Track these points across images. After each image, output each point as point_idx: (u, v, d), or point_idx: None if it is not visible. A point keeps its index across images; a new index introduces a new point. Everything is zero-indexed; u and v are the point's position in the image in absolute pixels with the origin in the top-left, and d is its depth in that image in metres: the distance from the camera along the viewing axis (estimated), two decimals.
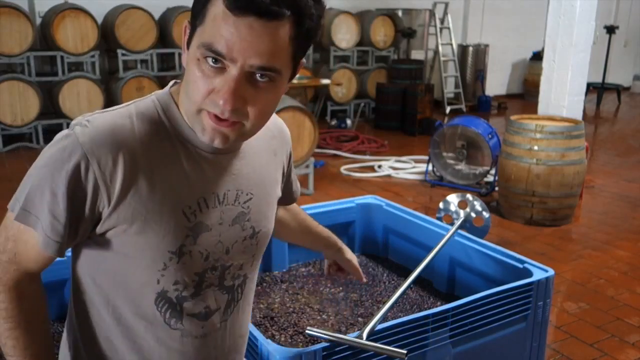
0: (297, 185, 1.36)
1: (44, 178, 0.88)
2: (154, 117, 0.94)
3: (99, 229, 0.93)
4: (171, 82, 0.99)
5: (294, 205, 1.46)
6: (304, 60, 0.94)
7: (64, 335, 1.09)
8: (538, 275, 1.93)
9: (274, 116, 1.15)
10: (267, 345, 1.46)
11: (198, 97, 0.86)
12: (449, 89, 9.83)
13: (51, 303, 2.19)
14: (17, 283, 0.96)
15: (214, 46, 0.82)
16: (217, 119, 0.87)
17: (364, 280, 1.73)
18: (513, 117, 4.67)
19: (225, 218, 1.00)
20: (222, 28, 0.81)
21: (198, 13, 0.85)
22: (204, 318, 1.02)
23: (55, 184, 0.87)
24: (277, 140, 1.14)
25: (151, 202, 0.91)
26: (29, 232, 0.91)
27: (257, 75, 0.85)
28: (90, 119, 0.90)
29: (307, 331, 1.49)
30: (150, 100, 0.97)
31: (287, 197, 1.31)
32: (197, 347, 1.03)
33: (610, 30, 10.26)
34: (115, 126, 0.89)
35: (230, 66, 0.83)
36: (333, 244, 1.62)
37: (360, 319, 2.13)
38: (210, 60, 0.83)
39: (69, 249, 0.99)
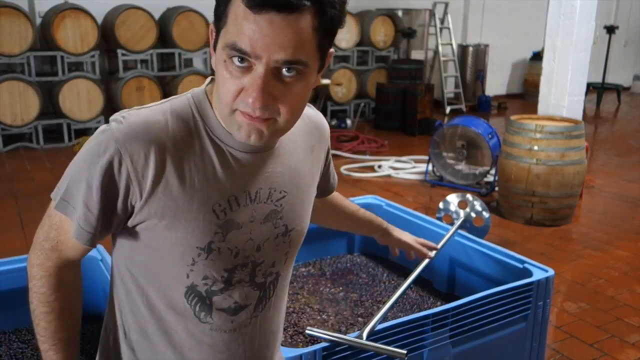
0: (334, 178, 1.34)
1: (81, 170, 0.92)
2: (187, 115, 0.95)
3: (131, 222, 0.95)
4: (208, 79, 1.00)
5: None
6: (332, 49, 0.93)
7: (105, 320, 1.12)
8: (538, 275, 1.93)
9: (312, 111, 1.15)
10: None
11: (229, 98, 0.87)
12: (449, 89, 9.83)
13: None
14: (59, 270, 1.00)
15: (238, 45, 0.82)
16: (250, 116, 0.87)
17: (431, 255, 1.62)
18: (513, 117, 4.67)
19: (257, 216, 1.00)
20: (244, 26, 0.81)
21: (220, 15, 0.86)
22: (233, 313, 1.03)
23: (91, 177, 0.90)
24: (314, 136, 1.13)
25: (181, 198, 0.92)
26: (68, 223, 0.95)
27: (284, 70, 0.85)
28: (126, 115, 0.93)
29: (307, 331, 1.49)
30: (185, 98, 0.98)
31: (324, 190, 1.30)
32: (226, 341, 1.03)
33: (610, 30, 10.27)
34: (148, 123, 0.92)
35: (256, 64, 0.83)
36: (377, 228, 1.58)
37: (360, 319, 2.13)
38: (236, 60, 0.84)
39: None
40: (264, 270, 1.04)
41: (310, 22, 0.83)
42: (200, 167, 0.94)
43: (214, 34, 0.90)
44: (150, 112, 0.94)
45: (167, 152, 0.91)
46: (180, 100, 0.98)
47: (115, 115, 0.94)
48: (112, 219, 0.94)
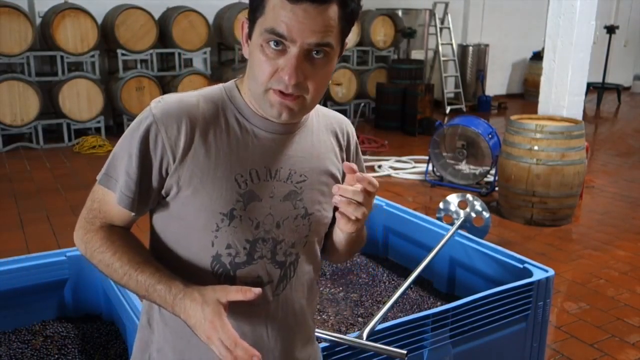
0: None
1: (123, 145, 1.05)
2: (217, 98, 1.09)
3: (164, 191, 1.06)
4: (235, 79, 1.13)
5: None
6: (347, 40, 1.07)
7: (144, 301, 1.18)
8: (538, 275, 1.93)
9: (340, 116, 1.25)
10: None
11: (264, 77, 1.00)
12: (449, 89, 9.83)
13: (51, 303, 2.19)
14: (103, 226, 1.10)
15: (277, 29, 0.96)
16: (282, 94, 1.00)
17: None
18: (513, 117, 4.67)
19: (277, 193, 1.09)
20: (282, 14, 0.95)
21: (257, 7, 0.99)
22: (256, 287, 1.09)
23: (132, 148, 1.03)
24: (338, 140, 1.21)
25: (206, 166, 1.04)
26: (110, 194, 1.07)
27: (314, 53, 0.98)
28: (165, 97, 1.08)
29: None
30: (217, 87, 1.13)
31: None
32: (249, 314, 1.10)
33: (610, 30, 10.27)
34: (182, 102, 1.06)
35: (290, 46, 0.97)
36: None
37: (360, 319, 2.13)
38: (272, 43, 0.97)
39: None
40: (284, 249, 1.11)
41: (337, 12, 0.98)
42: (225, 141, 1.06)
43: (246, 26, 1.04)
44: (184, 94, 1.09)
45: (197, 126, 1.04)
46: (213, 88, 1.12)
47: (156, 98, 1.08)
48: (149, 186, 1.05)
